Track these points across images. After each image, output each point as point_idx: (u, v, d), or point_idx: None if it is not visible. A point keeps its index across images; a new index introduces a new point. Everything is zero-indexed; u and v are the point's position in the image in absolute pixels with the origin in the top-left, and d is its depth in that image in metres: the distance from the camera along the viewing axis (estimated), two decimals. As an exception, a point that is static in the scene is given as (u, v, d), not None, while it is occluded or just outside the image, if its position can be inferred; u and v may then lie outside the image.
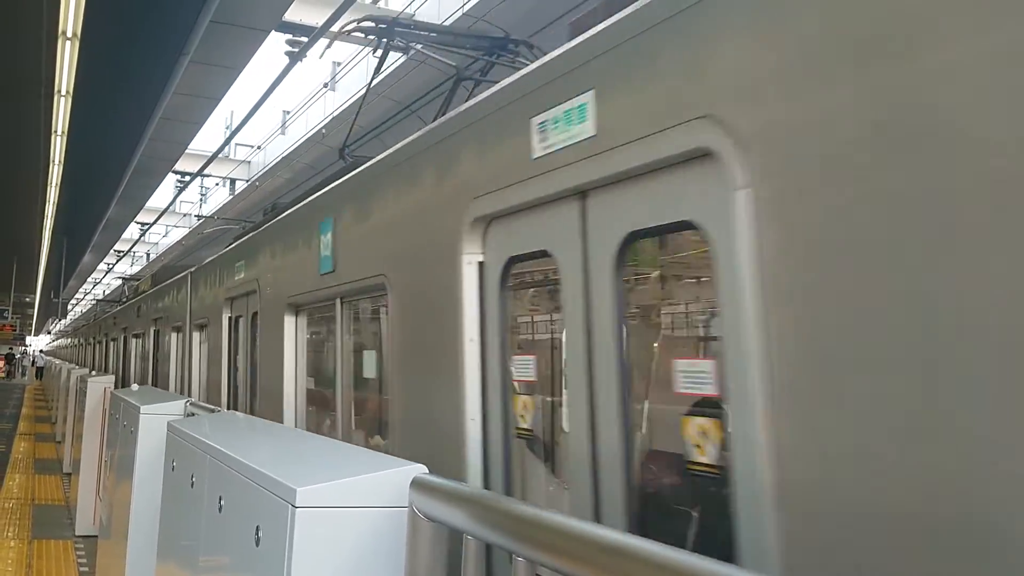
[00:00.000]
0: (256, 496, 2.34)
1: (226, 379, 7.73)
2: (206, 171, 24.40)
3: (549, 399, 3.18)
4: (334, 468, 2.31)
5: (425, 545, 2.06)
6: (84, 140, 15.21)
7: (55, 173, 16.88)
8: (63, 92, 12.14)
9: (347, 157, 6.34)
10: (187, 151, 20.70)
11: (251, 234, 7.32)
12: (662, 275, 2.91)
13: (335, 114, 20.08)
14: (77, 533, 8.90)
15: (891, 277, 1.63)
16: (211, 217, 29.26)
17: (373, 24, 5.80)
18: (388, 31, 5.84)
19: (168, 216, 32.04)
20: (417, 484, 2.08)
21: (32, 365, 60.55)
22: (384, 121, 18.13)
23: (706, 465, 2.34)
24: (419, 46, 6.17)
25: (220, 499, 2.76)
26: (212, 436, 3.21)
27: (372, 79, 6.67)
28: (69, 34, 10.19)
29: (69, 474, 12.50)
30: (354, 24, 5.87)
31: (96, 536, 8.05)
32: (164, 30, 11.32)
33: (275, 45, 14.22)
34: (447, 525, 2.00)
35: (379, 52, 5.99)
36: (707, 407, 2.31)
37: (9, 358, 54.05)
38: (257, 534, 2.28)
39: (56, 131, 13.96)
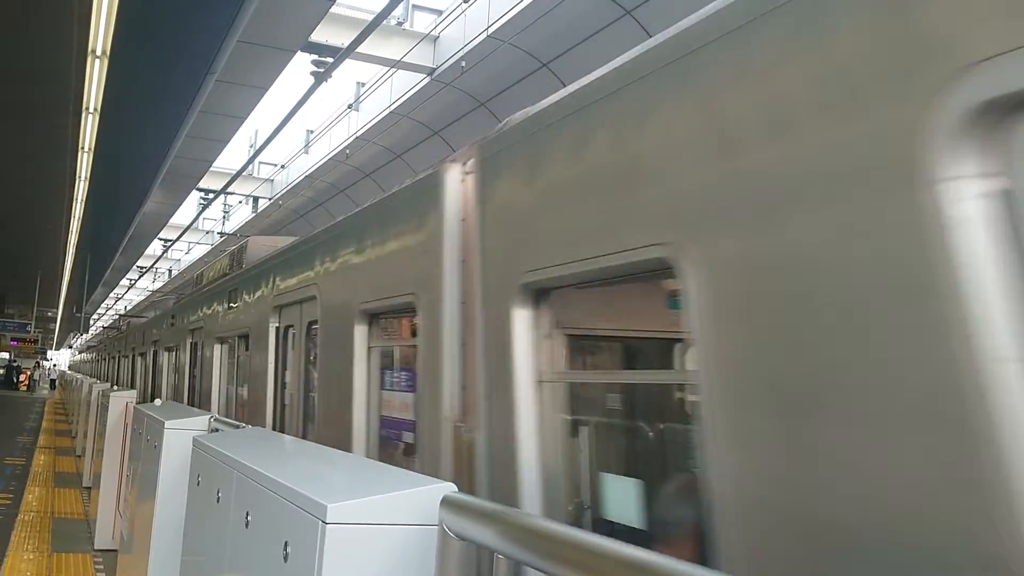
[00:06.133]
0: (285, 512, 2.35)
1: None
2: (229, 189, 24.61)
3: None
4: (363, 485, 2.32)
5: (455, 564, 2.05)
6: (110, 157, 15.38)
7: (81, 189, 17.07)
8: (91, 109, 12.31)
9: None
10: (211, 169, 20.92)
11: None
12: None
13: (359, 134, 20.22)
14: (96, 547, 8.93)
15: None
16: (233, 235, 29.47)
17: None
18: None
19: (191, 233, 32.29)
20: (448, 502, 2.08)
21: (37, 378, 60.91)
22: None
23: None
24: None
25: (247, 515, 2.76)
26: (239, 451, 3.22)
27: None
28: (99, 52, 10.34)
29: (89, 488, 12.56)
30: None
31: (115, 550, 8.07)
32: (192, 49, 11.46)
33: (300, 65, 14.39)
34: (477, 544, 2.00)
35: None
36: None
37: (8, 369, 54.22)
38: (285, 550, 2.29)
39: (83, 147, 14.13)
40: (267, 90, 15.08)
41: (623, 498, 3.11)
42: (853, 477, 1.78)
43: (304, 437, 5.82)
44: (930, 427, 1.63)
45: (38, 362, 64.68)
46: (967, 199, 1.62)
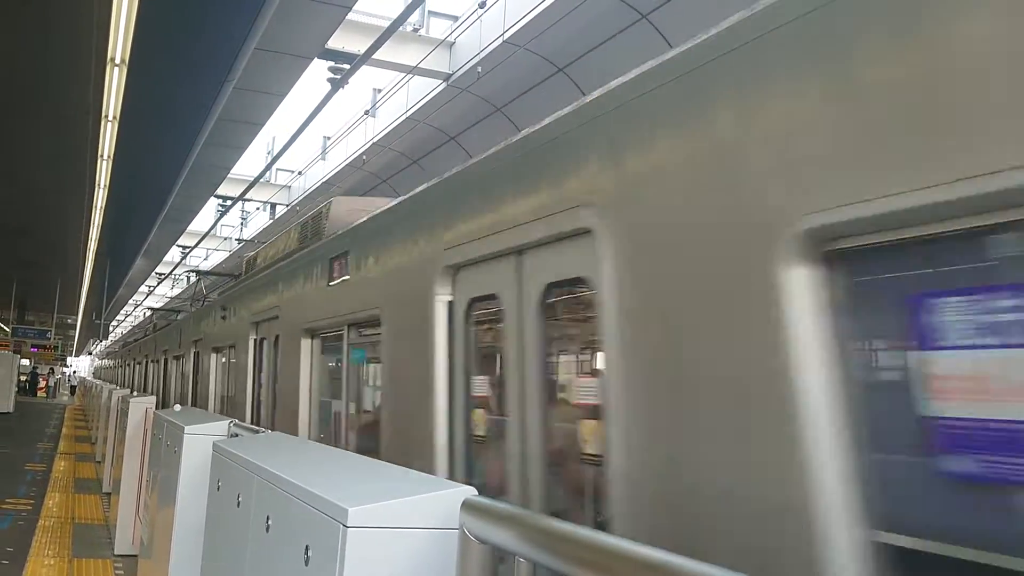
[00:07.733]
0: (306, 516, 2.35)
1: None
2: (247, 195, 24.71)
3: None
4: (384, 488, 2.32)
5: (475, 567, 2.05)
6: (129, 164, 15.48)
7: (100, 197, 17.18)
8: (110, 117, 12.38)
9: None
10: (228, 176, 21.00)
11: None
12: None
13: (375, 140, 20.28)
14: (116, 552, 8.97)
15: None
16: (251, 241, 29.59)
17: None
18: None
19: (209, 240, 32.45)
20: (468, 506, 2.07)
21: (53, 384, 61.33)
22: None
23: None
24: None
25: (268, 519, 2.77)
26: (259, 456, 3.23)
27: None
28: (118, 60, 10.41)
29: (109, 494, 12.62)
30: None
31: (135, 555, 8.10)
32: (210, 57, 11.53)
33: (317, 72, 14.47)
34: (498, 547, 1.99)
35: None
36: None
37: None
38: (306, 554, 2.29)
39: (102, 155, 14.22)
40: (284, 97, 15.15)
41: None
42: None
43: None
44: None
45: (52, 368, 64.92)
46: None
